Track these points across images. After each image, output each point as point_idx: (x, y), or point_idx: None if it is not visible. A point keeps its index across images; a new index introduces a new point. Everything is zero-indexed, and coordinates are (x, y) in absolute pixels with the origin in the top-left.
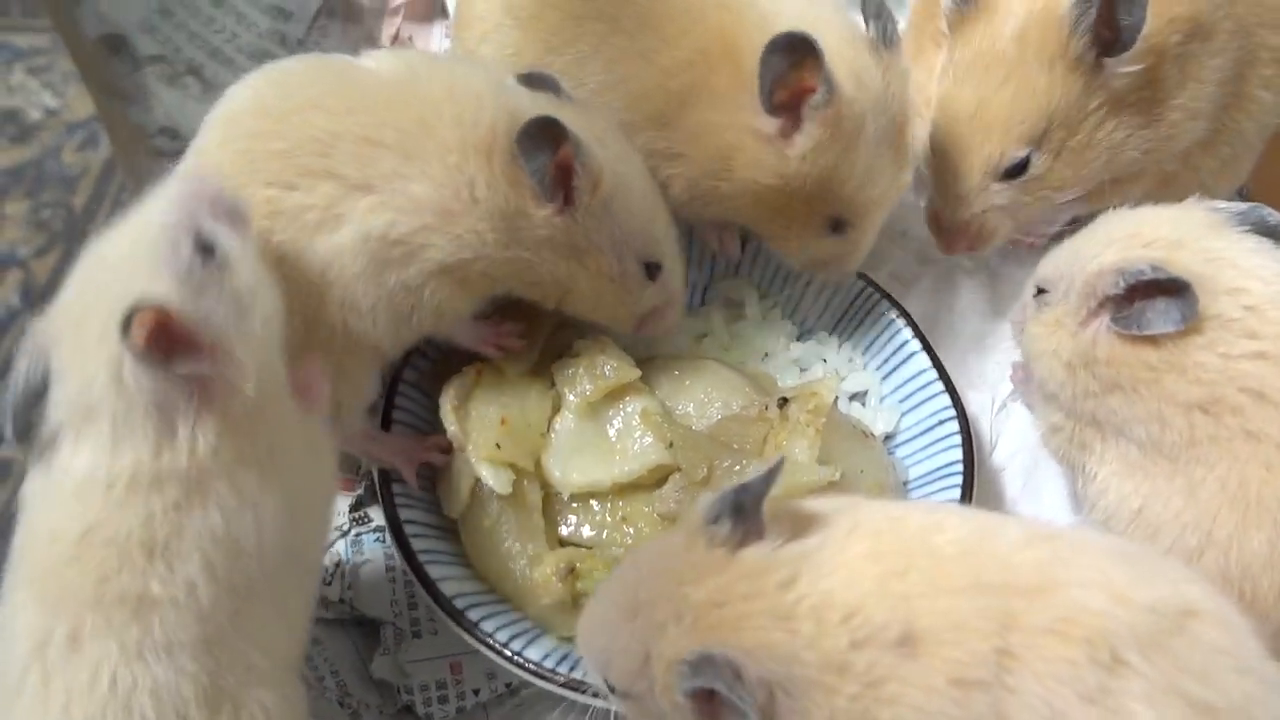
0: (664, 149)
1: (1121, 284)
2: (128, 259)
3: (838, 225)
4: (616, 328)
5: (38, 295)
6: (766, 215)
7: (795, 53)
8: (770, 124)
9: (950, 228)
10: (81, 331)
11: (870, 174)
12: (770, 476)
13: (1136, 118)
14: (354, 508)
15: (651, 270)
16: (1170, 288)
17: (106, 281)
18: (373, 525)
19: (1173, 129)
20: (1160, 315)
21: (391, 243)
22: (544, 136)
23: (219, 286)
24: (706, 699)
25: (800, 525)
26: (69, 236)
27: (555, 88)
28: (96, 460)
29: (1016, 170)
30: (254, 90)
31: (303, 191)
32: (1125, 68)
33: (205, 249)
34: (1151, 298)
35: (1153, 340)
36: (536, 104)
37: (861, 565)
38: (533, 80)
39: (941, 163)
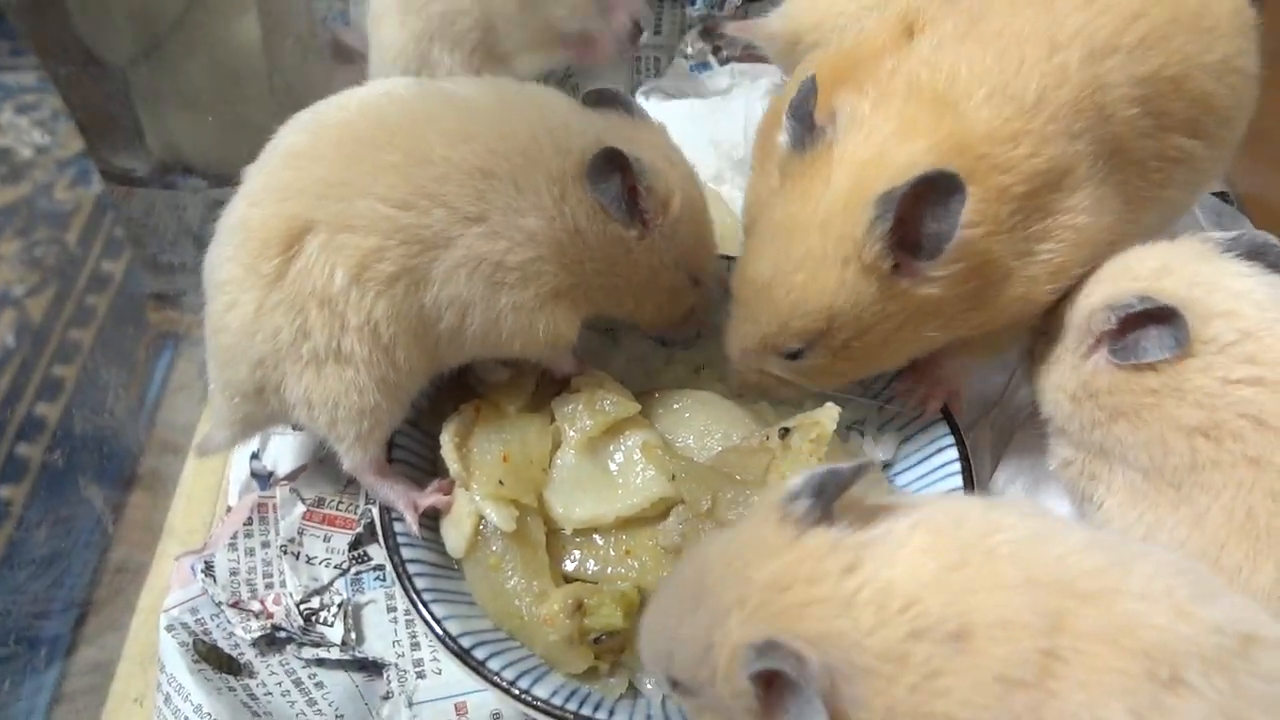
0: None
1: (1113, 319)
2: None
3: None
4: (654, 332)
5: (33, 333)
6: None
7: None
8: None
9: (730, 369)
10: None
11: None
12: (860, 471)
13: (963, 306)
14: (353, 546)
15: (695, 280)
16: (1160, 315)
17: None
18: (372, 564)
19: (1028, 289)
20: (1154, 343)
21: (508, 269)
22: (608, 166)
23: None
24: (769, 685)
25: (864, 517)
26: (63, 274)
27: (626, 105)
28: None
29: (793, 355)
30: (362, 103)
31: (417, 213)
32: (936, 271)
33: None
34: (1144, 327)
35: (1152, 366)
36: (611, 127)
37: (921, 558)
38: (602, 98)
39: (735, 309)
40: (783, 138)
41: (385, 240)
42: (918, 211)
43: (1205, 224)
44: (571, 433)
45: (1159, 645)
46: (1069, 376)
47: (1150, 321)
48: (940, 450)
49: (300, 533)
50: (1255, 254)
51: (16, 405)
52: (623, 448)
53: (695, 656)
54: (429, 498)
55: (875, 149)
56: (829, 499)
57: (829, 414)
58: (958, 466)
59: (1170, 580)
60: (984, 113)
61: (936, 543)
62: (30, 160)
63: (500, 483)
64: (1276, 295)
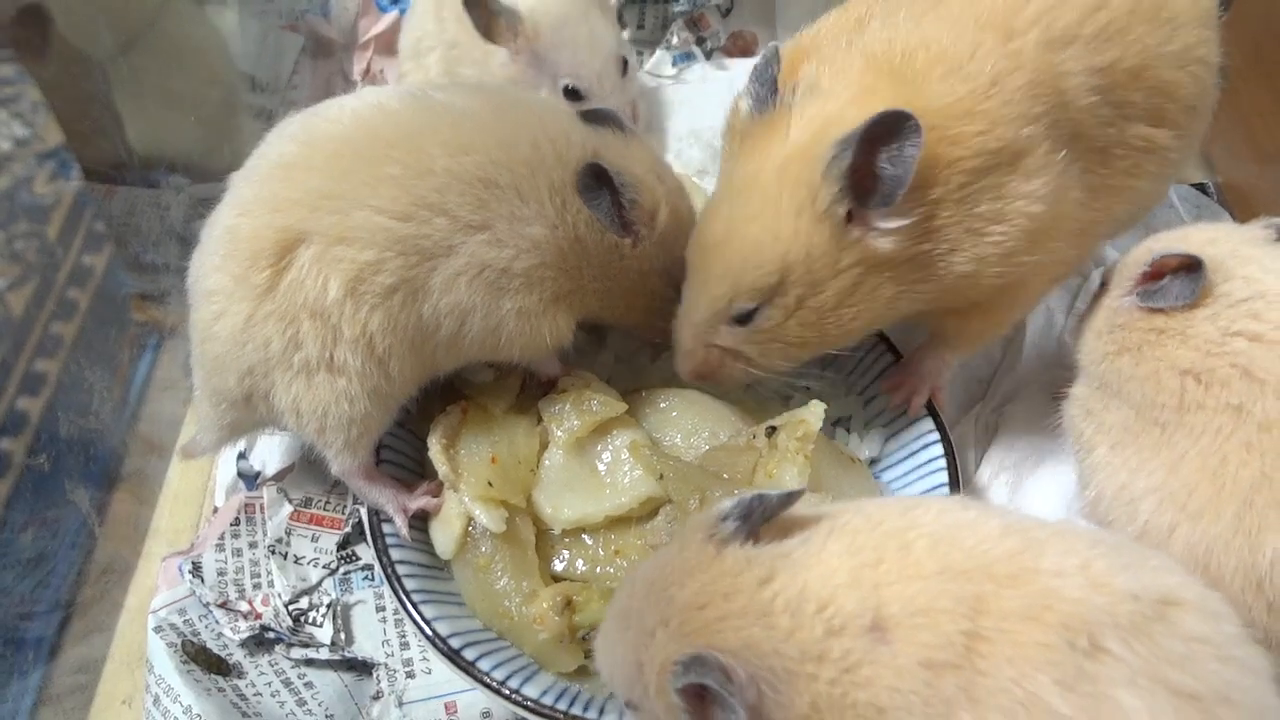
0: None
1: (1150, 259)
2: None
3: None
4: (636, 333)
5: (14, 328)
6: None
7: None
8: None
9: (680, 350)
10: None
11: None
12: (790, 499)
13: (913, 273)
14: (341, 546)
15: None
16: (1188, 264)
17: None
18: (360, 564)
19: (977, 267)
20: (1175, 290)
21: (512, 275)
22: (595, 181)
23: None
24: (698, 698)
25: (785, 531)
26: (43, 268)
27: (618, 123)
28: None
29: (744, 319)
30: (355, 115)
31: (417, 223)
32: (887, 223)
33: None
34: (1176, 276)
35: (1164, 309)
36: (606, 143)
37: (836, 560)
38: (598, 117)
39: (688, 281)
40: (744, 102)
41: (383, 253)
42: (872, 157)
43: (1186, 216)
44: (559, 433)
45: (1076, 616)
46: (1101, 315)
47: (1181, 271)
48: (926, 446)
49: (288, 533)
50: None
51: None
52: (610, 447)
53: (630, 676)
54: (418, 500)
55: (833, 110)
56: (755, 522)
57: (815, 412)
58: (943, 462)
59: (1086, 555)
60: (939, 88)
61: (852, 544)
62: (10, 153)
63: (489, 484)
64: None
